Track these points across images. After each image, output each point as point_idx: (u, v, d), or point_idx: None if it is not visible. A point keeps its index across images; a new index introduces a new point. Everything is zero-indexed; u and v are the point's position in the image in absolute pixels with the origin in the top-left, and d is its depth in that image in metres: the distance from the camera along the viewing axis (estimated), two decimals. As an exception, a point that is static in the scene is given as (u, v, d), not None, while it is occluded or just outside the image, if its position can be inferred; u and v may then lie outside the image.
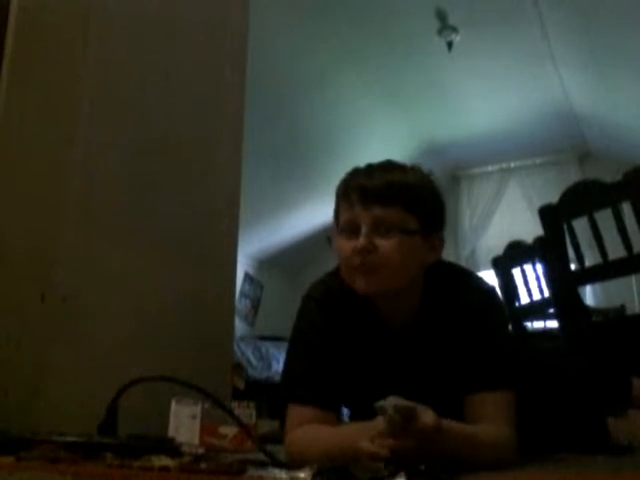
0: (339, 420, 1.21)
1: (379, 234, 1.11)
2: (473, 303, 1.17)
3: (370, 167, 1.20)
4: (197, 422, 1.35)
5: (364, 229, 1.11)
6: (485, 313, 1.17)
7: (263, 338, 5.19)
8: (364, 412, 1.18)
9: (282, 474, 0.77)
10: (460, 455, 0.96)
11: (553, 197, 2.26)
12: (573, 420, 1.46)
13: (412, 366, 1.18)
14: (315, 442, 1.08)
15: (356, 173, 1.20)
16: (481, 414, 1.08)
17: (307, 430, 1.11)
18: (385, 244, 1.10)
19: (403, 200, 1.12)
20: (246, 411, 1.52)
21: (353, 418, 1.34)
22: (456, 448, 0.95)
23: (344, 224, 1.15)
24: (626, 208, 1.94)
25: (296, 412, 1.15)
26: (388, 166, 1.20)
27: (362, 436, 0.90)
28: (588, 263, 2.26)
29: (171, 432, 1.32)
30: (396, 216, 1.11)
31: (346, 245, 1.12)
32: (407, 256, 1.12)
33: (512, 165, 6.07)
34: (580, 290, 2.39)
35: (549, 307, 2.62)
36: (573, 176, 5.13)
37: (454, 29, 4.12)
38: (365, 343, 1.20)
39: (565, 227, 2.12)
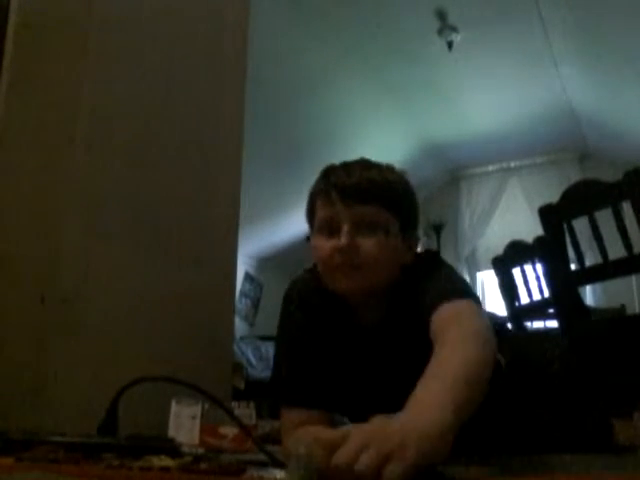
0: (334, 418, 1.20)
1: (360, 233, 1.08)
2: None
3: (347, 165, 1.18)
4: (197, 422, 1.35)
5: (345, 227, 1.08)
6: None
7: (263, 338, 5.19)
8: (352, 413, 1.19)
9: (282, 474, 0.77)
10: (461, 413, 0.74)
11: (553, 197, 2.26)
12: (577, 420, 1.46)
13: (387, 362, 1.16)
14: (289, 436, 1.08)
15: (333, 171, 1.17)
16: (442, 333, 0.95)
17: (286, 420, 1.13)
18: (366, 243, 1.08)
19: (384, 199, 1.11)
20: (246, 411, 1.52)
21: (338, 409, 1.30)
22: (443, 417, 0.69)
23: (322, 222, 1.12)
24: (626, 208, 1.94)
25: (287, 415, 1.15)
26: (366, 164, 1.18)
27: None
28: (588, 263, 2.26)
29: (171, 432, 1.32)
30: (377, 215, 1.10)
31: (325, 244, 1.10)
32: (388, 255, 1.10)
33: (512, 165, 6.07)
34: (580, 290, 2.39)
35: (549, 307, 2.62)
36: (573, 176, 5.13)
37: (454, 29, 4.12)
38: (340, 341, 1.19)
39: (565, 227, 2.12)
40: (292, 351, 1.19)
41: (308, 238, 1.18)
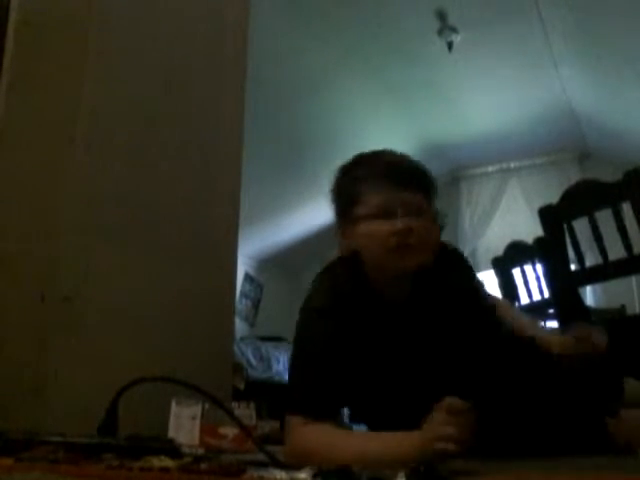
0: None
1: (411, 217, 1.17)
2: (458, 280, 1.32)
3: (385, 154, 1.28)
4: (197, 423, 1.35)
5: (400, 212, 1.17)
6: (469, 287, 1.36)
7: (263, 338, 5.19)
8: (384, 407, 1.23)
9: (282, 474, 0.77)
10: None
11: (553, 197, 2.26)
12: (573, 420, 1.46)
13: (414, 339, 1.22)
14: (341, 446, 1.07)
15: (377, 160, 1.26)
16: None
17: (323, 433, 1.11)
18: (419, 225, 1.17)
19: (427, 187, 1.24)
20: (246, 412, 1.52)
21: (363, 415, 1.37)
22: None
23: (374, 209, 1.19)
24: (626, 208, 1.94)
25: (300, 422, 1.13)
26: (397, 154, 1.28)
27: (409, 443, 0.97)
28: (588, 263, 2.26)
29: (171, 433, 1.32)
30: (422, 201, 1.22)
31: (381, 227, 1.17)
32: (432, 238, 1.22)
33: (512, 165, 6.07)
34: (580, 290, 2.38)
35: (549, 307, 2.62)
36: (573, 176, 5.13)
37: (454, 29, 4.12)
38: (373, 332, 1.22)
39: (565, 227, 2.12)
40: (314, 363, 1.18)
41: (343, 228, 1.26)
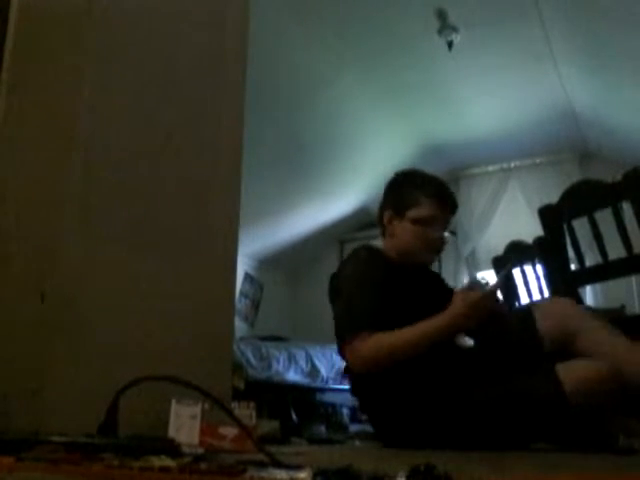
0: None
1: (446, 230, 1.84)
2: None
3: (440, 180, 1.89)
4: (197, 422, 1.35)
5: (443, 227, 1.83)
6: None
7: (263, 338, 5.19)
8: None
9: (282, 474, 0.77)
10: None
11: (553, 197, 2.26)
12: (574, 420, 1.46)
13: (425, 291, 1.79)
14: (403, 337, 1.57)
15: (442, 186, 1.86)
16: None
17: (385, 336, 1.58)
18: (448, 237, 1.85)
19: (456, 208, 1.87)
20: (246, 411, 1.52)
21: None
22: None
23: (427, 218, 1.78)
24: (626, 208, 1.94)
25: (365, 336, 1.58)
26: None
27: (447, 312, 1.59)
28: (588, 263, 2.26)
29: (171, 432, 1.32)
30: (452, 218, 1.87)
31: (427, 232, 1.79)
32: None
33: (512, 165, 6.07)
34: (580, 290, 2.38)
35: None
36: (573, 176, 5.12)
37: (454, 29, 4.11)
38: (398, 282, 1.73)
39: (565, 227, 2.12)
40: (370, 286, 1.67)
41: (390, 216, 1.86)
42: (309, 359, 4.87)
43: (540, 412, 1.49)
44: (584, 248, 2.15)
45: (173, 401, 1.36)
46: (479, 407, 1.55)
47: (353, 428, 3.85)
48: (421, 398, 1.63)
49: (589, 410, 1.44)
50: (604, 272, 2.11)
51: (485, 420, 1.53)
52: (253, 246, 5.81)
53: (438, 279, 2.00)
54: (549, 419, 1.49)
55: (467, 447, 1.49)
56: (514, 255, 2.73)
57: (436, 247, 1.80)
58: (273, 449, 0.96)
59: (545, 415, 1.49)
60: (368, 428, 3.51)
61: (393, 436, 1.70)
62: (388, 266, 1.77)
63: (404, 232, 1.80)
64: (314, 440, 2.41)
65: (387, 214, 1.85)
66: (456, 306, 1.58)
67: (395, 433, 1.69)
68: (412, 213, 1.78)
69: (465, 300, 1.58)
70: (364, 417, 4.84)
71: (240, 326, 5.73)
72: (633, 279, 4.73)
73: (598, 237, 2.03)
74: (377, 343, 1.57)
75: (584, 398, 1.43)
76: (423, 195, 1.79)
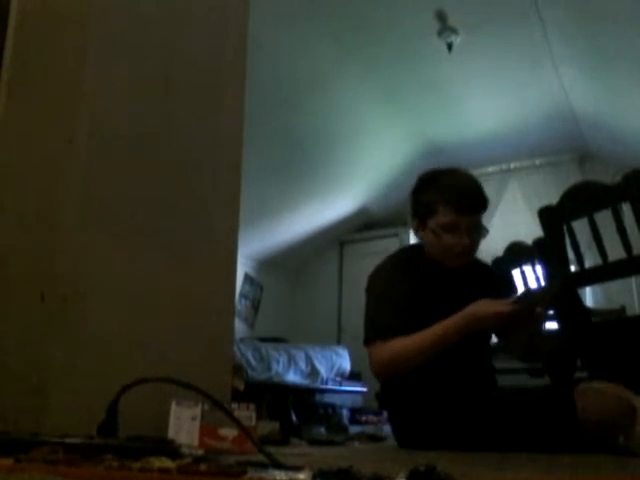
0: None
1: (471, 233, 1.73)
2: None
3: (461, 178, 1.85)
4: (197, 423, 1.35)
5: (469, 229, 1.73)
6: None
7: (263, 339, 5.19)
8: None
9: (282, 475, 0.77)
10: None
11: (553, 198, 2.26)
12: (575, 421, 1.46)
13: (457, 294, 1.74)
14: (418, 340, 1.59)
15: (462, 188, 1.77)
16: None
17: (402, 340, 1.61)
18: (474, 241, 1.75)
19: (485, 208, 1.77)
20: (246, 412, 1.52)
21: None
22: None
23: (449, 224, 1.72)
24: (625, 209, 1.94)
25: (383, 342, 1.63)
26: (468, 176, 1.87)
27: (461, 314, 1.60)
28: (588, 264, 2.26)
29: (171, 434, 1.32)
30: (479, 219, 1.76)
31: (451, 240, 1.72)
32: (478, 246, 1.79)
33: (512, 166, 6.07)
34: (580, 291, 2.38)
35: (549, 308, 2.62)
36: (573, 177, 5.12)
37: (454, 30, 4.12)
38: (430, 287, 1.76)
39: (565, 228, 2.12)
40: (392, 297, 1.71)
41: (419, 223, 1.81)
42: (309, 360, 4.87)
43: (552, 434, 1.49)
44: (584, 249, 2.15)
45: (173, 402, 1.36)
46: (494, 412, 1.59)
47: (353, 429, 3.85)
48: (438, 401, 1.66)
49: (600, 434, 1.44)
50: (604, 273, 2.11)
51: (497, 425, 1.56)
52: (253, 247, 5.81)
53: (486, 274, 1.94)
54: (560, 439, 1.48)
55: (480, 449, 1.52)
56: (513, 255, 2.73)
57: (458, 252, 1.73)
58: (273, 450, 0.96)
59: (557, 436, 1.48)
60: (368, 429, 3.50)
61: (409, 437, 1.73)
62: (424, 267, 1.79)
63: (428, 241, 1.78)
64: (314, 441, 2.41)
65: (413, 224, 1.85)
66: (475, 308, 1.59)
67: (411, 434, 1.72)
68: (432, 223, 1.74)
69: (490, 307, 1.58)
70: (363, 419, 4.85)
71: (240, 327, 5.72)
72: (633, 280, 4.73)
73: (598, 238, 2.03)
74: (391, 350, 1.62)
75: (597, 426, 1.43)
76: (441, 202, 1.73)
